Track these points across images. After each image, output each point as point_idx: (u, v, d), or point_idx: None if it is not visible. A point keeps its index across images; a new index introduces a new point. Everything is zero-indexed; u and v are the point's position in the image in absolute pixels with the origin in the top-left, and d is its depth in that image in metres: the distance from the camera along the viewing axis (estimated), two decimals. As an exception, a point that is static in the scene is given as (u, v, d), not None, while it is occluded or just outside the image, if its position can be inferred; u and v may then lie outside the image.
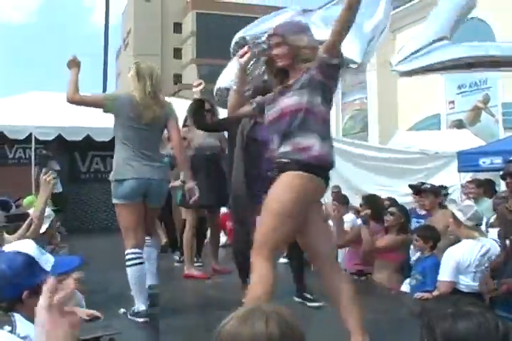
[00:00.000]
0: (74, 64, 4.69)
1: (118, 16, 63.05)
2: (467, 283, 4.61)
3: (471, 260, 4.64)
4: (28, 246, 2.30)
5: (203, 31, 49.31)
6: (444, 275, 4.69)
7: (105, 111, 4.64)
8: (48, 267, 2.26)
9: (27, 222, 3.49)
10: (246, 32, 5.93)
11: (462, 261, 4.63)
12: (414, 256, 5.67)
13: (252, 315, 1.39)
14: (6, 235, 3.75)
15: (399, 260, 5.91)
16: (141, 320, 4.29)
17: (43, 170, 3.27)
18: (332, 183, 9.27)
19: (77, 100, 4.59)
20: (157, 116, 4.48)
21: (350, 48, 4.97)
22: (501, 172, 5.80)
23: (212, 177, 6.05)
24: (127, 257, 4.38)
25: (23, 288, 2.14)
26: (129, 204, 4.39)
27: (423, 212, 7.00)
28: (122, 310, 4.55)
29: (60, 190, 10.86)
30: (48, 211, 4.68)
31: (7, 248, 2.25)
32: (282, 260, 7.19)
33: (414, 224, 6.84)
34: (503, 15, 17.51)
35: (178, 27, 54.29)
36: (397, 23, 22.55)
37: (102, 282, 5.67)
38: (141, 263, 4.39)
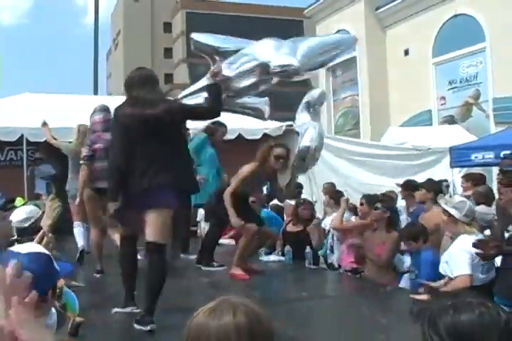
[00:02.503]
0: (45, 125, 7.66)
1: (108, 17, 62.90)
2: (478, 276, 4.51)
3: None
4: (40, 247, 2.32)
5: (193, 30, 49.08)
6: (461, 269, 4.47)
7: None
8: (57, 267, 2.29)
9: (39, 235, 3.45)
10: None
11: (474, 253, 4.51)
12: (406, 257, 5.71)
13: (219, 307, 1.39)
14: None
15: (389, 256, 5.88)
16: None
17: (51, 196, 3.23)
18: (326, 180, 9.35)
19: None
20: None
21: (285, 57, 5.26)
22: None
23: None
24: None
25: (47, 287, 2.16)
26: None
27: (412, 209, 7.03)
28: (115, 310, 4.54)
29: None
30: (34, 209, 4.64)
31: (21, 249, 2.25)
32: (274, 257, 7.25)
33: (405, 221, 6.86)
34: (491, 11, 17.57)
35: (168, 26, 54.21)
36: (387, 19, 22.62)
37: (98, 282, 5.66)
38: None
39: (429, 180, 7.30)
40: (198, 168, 7.08)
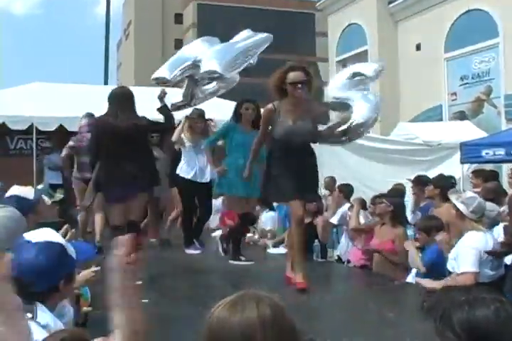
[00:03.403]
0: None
1: (119, 7, 62.87)
2: (487, 273, 4.46)
3: (489, 248, 4.49)
4: (53, 235, 2.30)
5: (204, 22, 49.11)
6: (467, 266, 4.37)
7: None
8: (73, 254, 2.27)
9: (61, 231, 3.44)
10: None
11: (483, 249, 4.44)
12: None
13: (241, 300, 1.37)
14: None
15: (404, 255, 5.84)
16: None
17: (94, 268, 3.18)
18: (334, 173, 9.31)
19: None
20: None
21: (212, 62, 5.78)
22: None
23: None
24: None
25: (59, 277, 2.15)
26: None
27: (422, 204, 7.00)
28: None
29: (60, 182, 10.80)
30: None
31: (33, 237, 2.23)
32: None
33: (414, 216, 6.84)
34: (505, 6, 17.42)
35: (179, 18, 54.13)
36: (399, 13, 22.48)
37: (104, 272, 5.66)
38: None
39: (439, 176, 7.24)
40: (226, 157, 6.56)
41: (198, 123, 7.18)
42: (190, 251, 7.03)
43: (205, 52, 5.93)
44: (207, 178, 7.10)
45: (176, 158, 7.40)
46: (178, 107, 6.33)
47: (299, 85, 4.95)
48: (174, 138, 7.18)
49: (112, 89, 5.85)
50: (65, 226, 3.58)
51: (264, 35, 6.29)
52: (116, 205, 5.51)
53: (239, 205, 6.54)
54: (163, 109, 5.84)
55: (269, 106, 5.15)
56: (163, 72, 5.97)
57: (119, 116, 5.41)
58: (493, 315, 1.38)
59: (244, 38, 6.28)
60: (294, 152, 5.07)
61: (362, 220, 6.93)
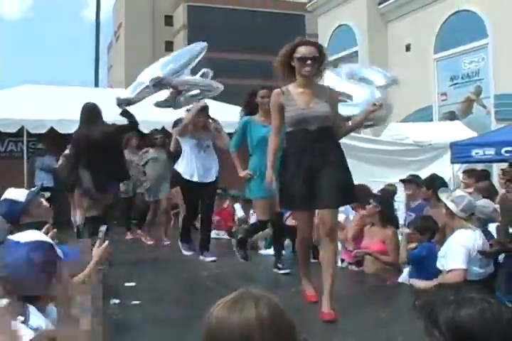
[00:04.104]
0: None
1: (110, 10, 62.66)
2: (476, 270, 4.49)
3: (478, 246, 4.52)
4: (41, 235, 2.30)
5: (195, 24, 49.11)
6: (455, 263, 4.41)
7: None
8: (61, 255, 2.27)
9: (43, 231, 3.43)
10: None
11: (471, 247, 4.48)
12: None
13: (241, 299, 1.37)
14: None
15: (397, 255, 5.85)
16: None
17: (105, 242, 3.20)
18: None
19: None
20: None
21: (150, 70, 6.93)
22: None
23: None
24: None
25: (50, 276, 2.15)
26: None
27: (414, 205, 7.01)
28: (115, 301, 4.57)
29: (51, 184, 10.78)
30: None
31: (20, 238, 2.23)
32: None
33: (407, 217, 6.85)
34: (493, 7, 17.51)
35: (169, 20, 54.11)
36: (389, 14, 22.55)
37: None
38: None
39: (430, 177, 7.22)
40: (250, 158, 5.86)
41: (201, 117, 6.78)
42: (184, 252, 6.94)
43: (154, 69, 6.88)
44: (212, 177, 6.79)
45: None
46: (159, 105, 7.17)
47: (309, 61, 4.18)
48: (180, 133, 6.85)
49: (83, 105, 6.73)
50: (47, 226, 3.58)
51: (200, 44, 7.22)
52: (94, 201, 6.53)
53: (270, 210, 5.70)
54: (125, 113, 6.79)
55: (277, 90, 4.39)
56: (126, 93, 6.93)
57: (91, 128, 6.48)
58: (478, 316, 1.39)
59: (184, 50, 7.55)
60: (310, 144, 4.21)
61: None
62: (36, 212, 3.65)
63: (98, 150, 6.31)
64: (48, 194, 8.76)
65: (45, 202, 3.89)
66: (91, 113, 6.60)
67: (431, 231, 5.29)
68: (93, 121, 6.53)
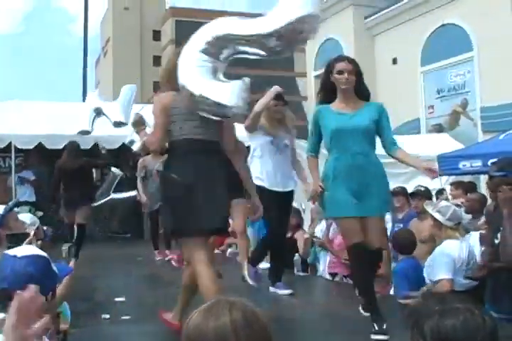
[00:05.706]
0: None
1: (98, 25, 62.74)
2: (460, 281, 4.53)
3: (464, 257, 4.57)
4: (37, 250, 2.32)
5: (183, 38, 49.09)
6: (442, 273, 4.45)
7: None
8: (55, 269, 2.28)
9: (26, 241, 3.48)
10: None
11: (457, 257, 4.52)
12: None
13: (215, 306, 1.40)
14: None
15: (388, 269, 5.85)
16: None
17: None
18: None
19: None
20: None
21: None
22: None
23: None
24: None
25: (47, 290, 2.15)
26: None
27: (400, 216, 7.04)
28: (105, 316, 4.55)
29: (33, 199, 10.77)
30: (33, 218, 4.68)
31: (17, 252, 2.23)
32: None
33: (394, 229, 6.87)
34: (478, 21, 17.72)
35: (157, 35, 54.21)
36: (376, 28, 22.77)
37: (87, 289, 5.64)
38: None
39: (416, 189, 7.27)
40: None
41: (279, 105, 5.32)
42: (249, 280, 5.44)
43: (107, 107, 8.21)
44: (291, 186, 5.51)
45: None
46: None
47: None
48: (249, 125, 5.17)
49: (69, 143, 8.69)
50: (29, 238, 3.62)
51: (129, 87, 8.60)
52: (71, 212, 8.38)
53: (356, 231, 4.06)
54: (103, 156, 9.34)
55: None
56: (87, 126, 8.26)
57: (69, 160, 8.38)
58: (462, 326, 1.40)
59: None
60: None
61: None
62: (14, 225, 3.91)
63: (72, 176, 8.25)
64: (33, 209, 8.69)
65: (20, 218, 4.08)
66: (72, 149, 8.56)
67: (406, 249, 5.33)
68: (73, 155, 8.46)
